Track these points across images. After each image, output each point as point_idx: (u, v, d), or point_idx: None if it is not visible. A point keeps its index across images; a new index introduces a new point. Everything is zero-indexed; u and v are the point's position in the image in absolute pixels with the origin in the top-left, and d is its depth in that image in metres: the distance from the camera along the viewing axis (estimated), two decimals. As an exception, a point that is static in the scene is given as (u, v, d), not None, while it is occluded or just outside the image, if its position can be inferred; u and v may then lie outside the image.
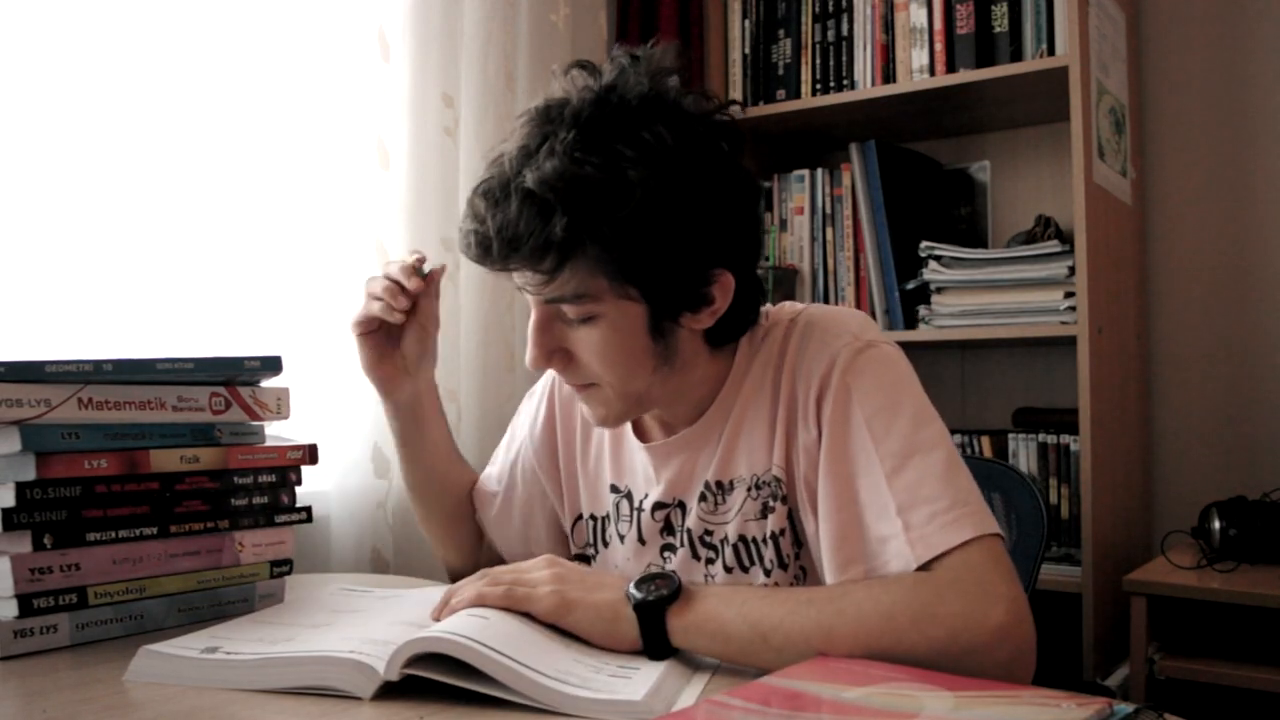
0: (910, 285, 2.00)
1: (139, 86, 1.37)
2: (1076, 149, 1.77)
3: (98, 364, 0.91)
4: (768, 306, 1.07)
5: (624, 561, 1.10)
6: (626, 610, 0.85)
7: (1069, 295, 1.81)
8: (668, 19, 2.14)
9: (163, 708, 0.74)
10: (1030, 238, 1.96)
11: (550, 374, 1.18)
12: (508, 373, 1.81)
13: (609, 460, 1.13)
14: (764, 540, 1.00)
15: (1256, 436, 2.00)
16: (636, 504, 1.10)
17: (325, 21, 1.56)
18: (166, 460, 0.96)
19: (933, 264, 1.95)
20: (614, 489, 1.12)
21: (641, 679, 0.76)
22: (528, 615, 0.86)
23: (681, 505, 1.06)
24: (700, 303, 0.95)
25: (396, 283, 1.07)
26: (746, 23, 2.19)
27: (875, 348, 0.96)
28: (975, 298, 1.93)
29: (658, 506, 1.07)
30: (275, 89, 1.52)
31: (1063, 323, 1.81)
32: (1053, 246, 1.84)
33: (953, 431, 2.06)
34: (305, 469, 1.09)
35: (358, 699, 0.75)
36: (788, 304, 1.08)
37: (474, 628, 0.78)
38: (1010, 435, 1.99)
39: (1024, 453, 1.97)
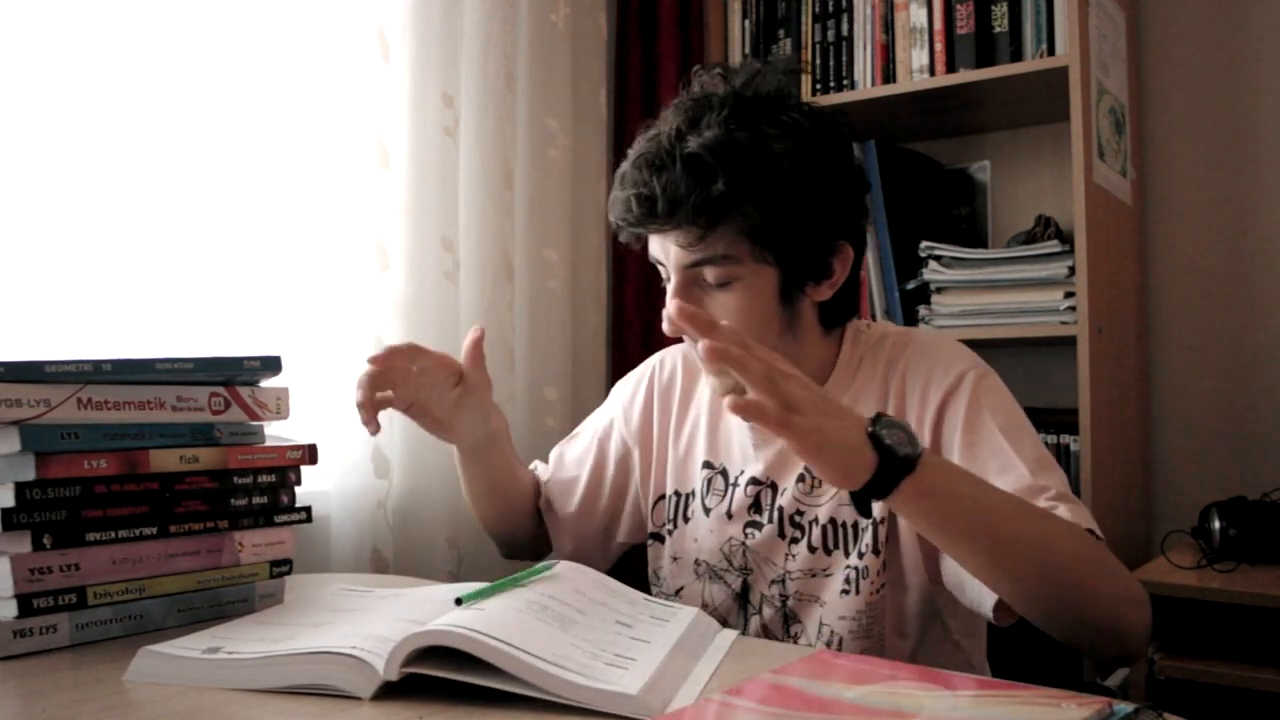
0: (910, 285, 2.00)
1: (139, 86, 1.37)
2: (1076, 149, 1.77)
3: (97, 364, 0.91)
4: (867, 320, 1.17)
5: (705, 534, 1.16)
6: (869, 455, 0.81)
7: (1069, 295, 1.80)
8: (668, 19, 2.14)
9: (163, 708, 0.74)
10: (1030, 238, 1.96)
11: (649, 364, 1.29)
12: (508, 372, 1.81)
13: (705, 438, 1.19)
14: (863, 526, 1.06)
15: (1256, 436, 2.00)
16: (732, 479, 1.16)
17: (325, 21, 1.56)
18: (166, 460, 0.96)
19: (933, 264, 1.95)
20: (708, 465, 1.18)
21: (639, 670, 0.76)
22: (522, 603, 0.85)
23: (774, 485, 1.12)
24: (823, 273, 1.06)
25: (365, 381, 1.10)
26: (746, 23, 2.19)
27: (997, 377, 1.08)
28: (975, 298, 1.93)
29: (752, 482, 1.13)
30: (275, 89, 1.52)
31: (1063, 323, 1.81)
32: (1053, 246, 1.84)
33: (953, 431, 2.07)
34: (305, 469, 1.09)
35: (358, 699, 0.75)
36: (889, 323, 1.18)
37: (471, 619, 0.78)
38: (1010, 435, 1.99)
39: (1024, 453, 1.97)
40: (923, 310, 1.98)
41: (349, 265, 1.56)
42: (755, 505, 1.13)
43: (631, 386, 1.30)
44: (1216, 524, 1.74)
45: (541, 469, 1.38)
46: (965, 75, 1.91)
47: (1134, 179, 2.03)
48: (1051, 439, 1.94)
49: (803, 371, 1.03)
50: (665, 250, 1.04)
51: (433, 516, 1.65)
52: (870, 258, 2.03)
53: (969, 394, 1.04)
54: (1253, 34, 2.01)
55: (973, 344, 2.12)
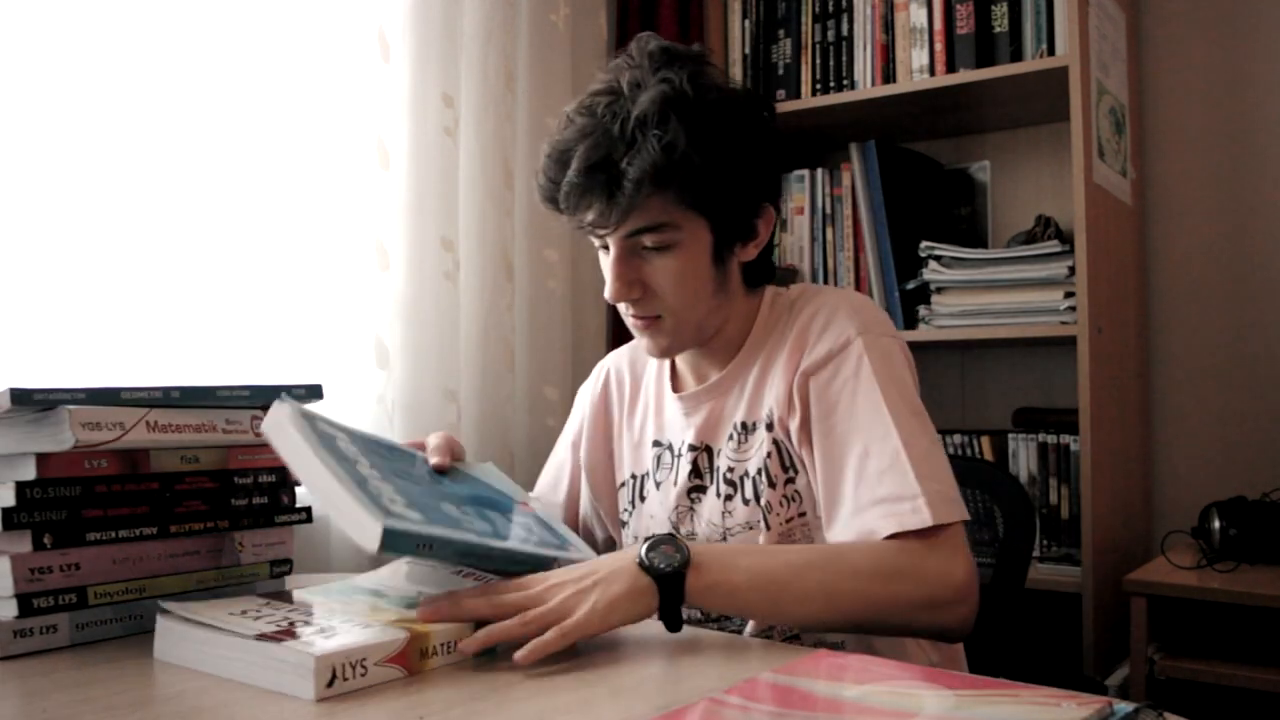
0: (910, 285, 2.00)
1: (139, 86, 1.37)
2: (1076, 149, 1.77)
3: (166, 391, 0.96)
4: (790, 286, 1.20)
5: (657, 508, 1.20)
6: (645, 582, 0.89)
7: (1069, 295, 1.80)
8: (668, 19, 2.14)
9: (163, 708, 0.74)
10: (1030, 238, 1.96)
11: (600, 368, 1.33)
12: (508, 372, 1.82)
13: (653, 418, 1.24)
14: (760, 470, 1.10)
15: (1256, 436, 2.00)
16: (676, 452, 1.19)
17: (325, 21, 1.56)
18: (166, 460, 0.96)
19: (933, 264, 1.95)
20: (656, 443, 1.22)
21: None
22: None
23: (708, 449, 1.16)
24: (750, 234, 1.11)
25: None
26: (746, 23, 2.19)
27: (889, 339, 1.08)
28: (975, 298, 1.93)
29: (689, 449, 1.17)
30: (276, 89, 1.52)
31: (1063, 323, 1.81)
32: (1053, 246, 1.84)
33: (953, 431, 2.08)
34: (305, 469, 1.09)
35: (358, 700, 0.75)
36: (809, 284, 1.21)
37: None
38: (1010, 435, 1.99)
39: (1024, 453, 1.97)
40: (923, 310, 1.98)
41: (349, 265, 1.57)
42: (695, 471, 1.17)
43: (590, 387, 1.34)
44: (1216, 524, 1.74)
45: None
46: (965, 75, 1.91)
47: (1134, 179, 2.03)
48: (1051, 439, 1.95)
49: (727, 331, 1.14)
50: (605, 219, 1.06)
51: (433, 516, 1.65)
52: (870, 257, 2.03)
53: (854, 356, 1.05)
54: (1253, 34, 2.01)
55: (973, 344, 2.14)
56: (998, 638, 1.20)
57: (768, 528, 1.09)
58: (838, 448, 1.03)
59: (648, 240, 1.05)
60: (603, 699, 0.77)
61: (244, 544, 1.03)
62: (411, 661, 0.80)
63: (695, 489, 1.17)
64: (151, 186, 1.39)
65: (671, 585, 0.89)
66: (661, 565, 0.89)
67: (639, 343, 1.17)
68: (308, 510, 1.09)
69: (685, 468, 1.17)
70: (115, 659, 0.86)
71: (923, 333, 1.97)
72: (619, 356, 1.34)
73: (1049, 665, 1.06)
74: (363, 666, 0.77)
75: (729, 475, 1.13)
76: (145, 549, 0.95)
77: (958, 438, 2.03)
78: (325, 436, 0.89)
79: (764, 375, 1.12)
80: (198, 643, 0.82)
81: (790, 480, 1.09)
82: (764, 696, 0.69)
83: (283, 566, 1.07)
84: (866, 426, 1.01)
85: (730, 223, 1.08)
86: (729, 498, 1.13)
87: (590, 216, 1.04)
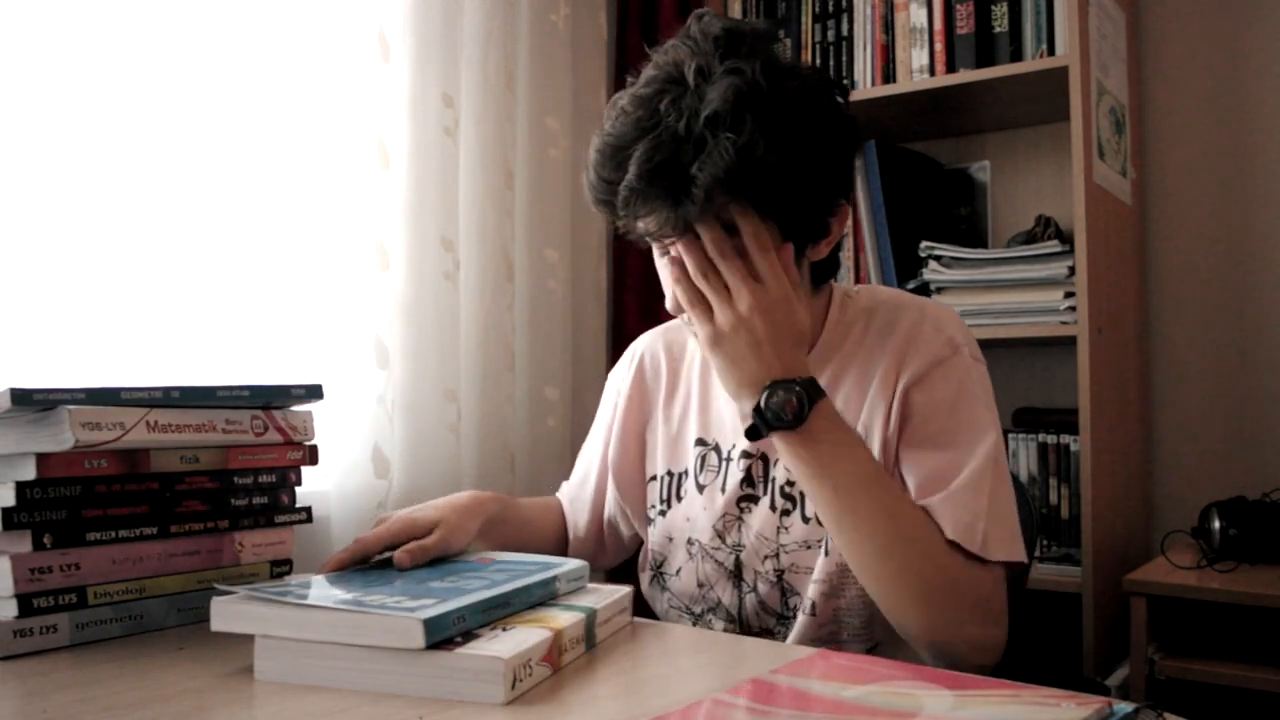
0: (910, 285, 2.00)
1: (138, 86, 1.37)
2: (1076, 149, 1.77)
3: (166, 391, 0.95)
4: (851, 284, 1.16)
5: (699, 512, 1.13)
6: (746, 408, 0.94)
7: (1069, 295, 1.81)
8: (668, 19, 2.14)
9: (162, 708, 0.74)
10: (1030, 238, 1.96)
11: (633, 350, 1.26)
12: (508, 372, 1.81)
13: (696, 415, 1.17)
14: None
15: (1256, 436, 2.00)
16: (725, 454, 1.13)
17: (325, 21, 1.56)
18: (166, 460, 0.96)
19: (933, 264, 1.95)
20: (700, 442, 1.16)
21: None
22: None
23: (764, 458, 1.10)
24: (823, 233, 1.03)
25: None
26: (746, 23, 2.19)
27: (982, 364, 1.07)
28: (975, 298, 1.93)
29: (744, 456, 1.11)
30: (275, 89, 1.52)
31: (1063, 323, 1.81)
32: (1053, 246, 1.84)
33: (953, 431, 2.06)
34: (305, 469, 1.10)
35: (359, 697, 0.75)
36: (877, 286, 1.16)
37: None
38: (1010, 435, 1.99)
39: (1024, 453, 1.97)
40: (923, 310, 1.98)
41: (349, 265, 1.56)
42: (748, 479, 1.11)
43: (622, 373, 1.27)
44: (1216, 524, 1.74)
45: (562, 491, 1.35)
46: (965, 75, 1.91)
47: (1134, 179, 2.03)
48: (1052, 439, 1.95)
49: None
50: (659, 223, 0.98)
51: (433, 516, 1.65)
52: (870, 257, 2.03)
53: (946, 372, 1.03)
54: (1252, 34, 2.01)
55: (973, 344, 2.13)
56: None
57: (827, 553, 1.04)
58: (935, 439, 1.01)
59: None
60: (603, 698, 0.77)
61: (244, 544, 1.03)
62: (555, 658, 0.81)
63: (746, 498, 1.10)
64: (151, 186, 1.39)
65: (763, 415, 0.93)
66: (773, 405, 0.93)
67: (678, 324, 1.11)
68: (308, 510, 1.09)
69: (737, 474, 1.11)
70: (115, 659, 0.86)
71: (923, 333, 1.97)
72: (653, 339, 1.27)
73: (1049, 665, 1.05)
74: (529, 667, 0.77)
75: (786, 489, 1.07)
76: (145, 549, 0.95)
77: (958, 438, 2.03)
78: (284, 591, 0.85)
79: (838, 378, 1.07)
80: (323, 658, 0.79)
81: None
82: (764, 696, 0.69)
83: (282, 567, 1.07)
84: (963, 443, 1.00)
85: (804, 224, 1.01)
86: (786, 513, 1.07)
87: (651, 225, 0.96)
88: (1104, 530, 1.81)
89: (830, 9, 2.09)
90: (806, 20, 2.11)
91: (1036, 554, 1.89)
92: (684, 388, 1.20)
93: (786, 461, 0.97)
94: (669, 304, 1.01)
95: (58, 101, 1.29)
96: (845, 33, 2.07)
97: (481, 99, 1.76)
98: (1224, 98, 2.04)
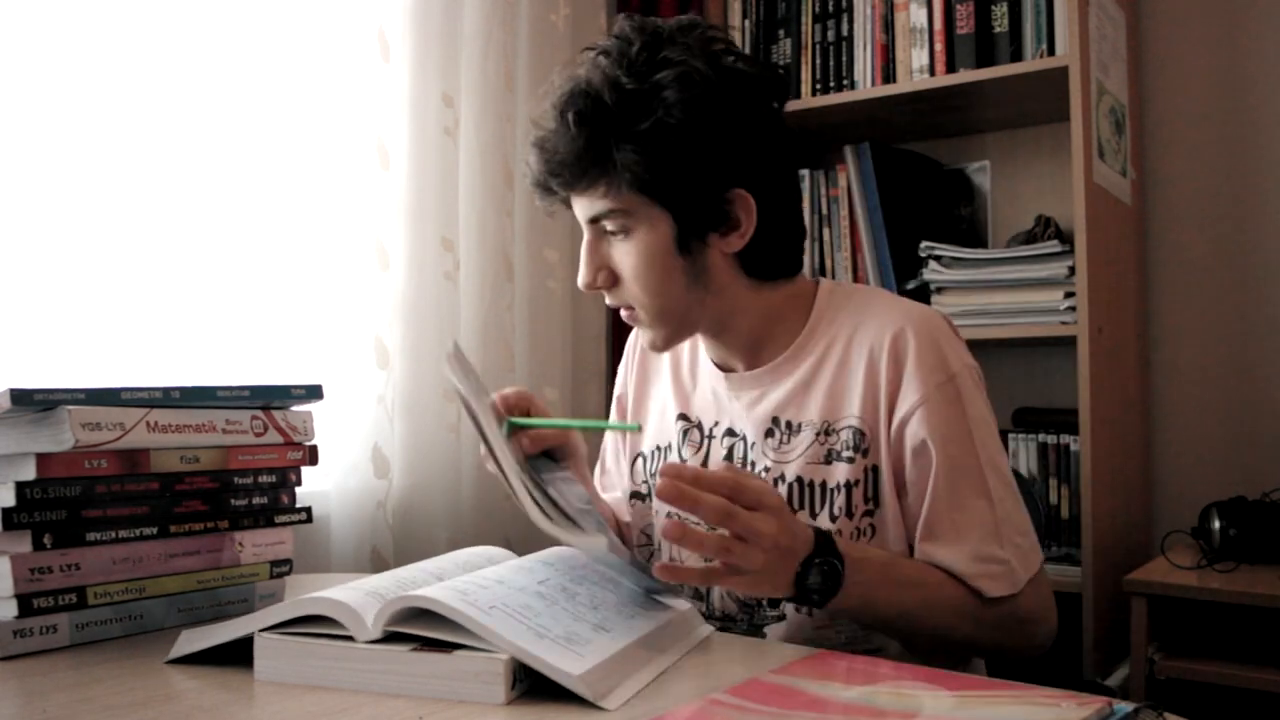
0: (910, 285, 2.00)
1: (139, 86, 1.37)
2: (1076, 149, 1.77)
3: (166, 391, 0.95)
4: (845, 281, 1.18)
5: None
6: (789, 586, 0.90)
7: (1069, 295, 1.80)
8: (667, 19, 2.13)
9: (162, 708, 0.74)
10: (1030, 238, 1.96)
11: (631, 340, 1.28)
12: (508, 372, 1.82)
13: (679, 392, 1.20)
14: (837, 488, 1.05)
15: (1256, 436, 2.00)
16: (707, 432, 1.15)
17: (325, 21, 1.56)
18: (166, 460, 0.96)
19: (933, 264, 1.95)
20: (682, 417, 1.18)
21: (592, 653, 0.77)
22: (514, 578, 0.87)
23: (745, 438, 1.12)
24: (724, 223, 1.04)
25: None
26: (746, 23, 2.19)
27: (977, 374, 1.08)
28: (975, 298, 1.93)
29: (728, 434, 1.13)
30: (275, 90, 1.52)
31: (1063, 323, 1.81)
32: (1053, 246, 1.84)
33: (953, 431, 2.06)
34: (305, 469, 1.10)
35: (359, 697, 0.75)
36: (866, 287, 1.20)
37: (452, 589, 0.80)
38: (1010, 435, 1.99)
39: (1024, 453, 1.97)
40: (923, 310, 1.98)
41: (349, 265, 1.57)
42: (729, 457, 1.12)
43: (624, 365, 1.31)
44: (1216, 524, 1.74)
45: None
46: (965, 75, 1.91)
47: (1134, 179, 2.03)
48: (1051, 439, 1.94)
49: (740, 326, 1.09)
50: (573, 202, 1.07)
51: (433, 516, 1.65)
52: (868, 258, 2.03)
53: (953, 393, 1.04)
54: (1253, 33, 2.01)
55: (973, 344, 2.13)
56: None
57: None
58: (936, 487, 1.02)
59: (607, 225, 1.04)
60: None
61: (244, 544, 1.03)
62: None
63: None
64: (152, 187, 1.39)
65: (809, 597, 0.91)
66: (813, 585, 0.90)
67: None
68: (307, 510, 1.10)
69: (719, 452, 1.13)
70: (115, 659, 0.86)
71: (923, 333, 1.97)
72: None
73: (1049, 665, 1.06)
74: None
75: (764, 475, 1.08)
76: (145, 549, 0.95)
77: (958, 438, 2.03)
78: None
79: (816, 374, 1.08)
80: (323, 658, 0.78)
81: (869, 513, 1.04)
82: (764, 696, 0.69)
83: (282, 567, 1.07)
84: (963, 474, 1.02)
85: (693, 210, 1.02)
86: None
87: (547, 202, 1.08)
88: (1104, 530, 1.81)
89: (830, 9, 2.09)
90: (806, 20, 2.11)
91: (1036, 554, 1.89)
92: (669, 367, 1.23)
93: (850, 612, 0.99)
94: (579, 278, 1.08)
95: (58, 102, 1.29)
96: (845, 33, 2.07)
97: (481, 99, 1.76)
98: (1224, 98, 2.04)
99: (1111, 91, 1.91)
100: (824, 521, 1.05)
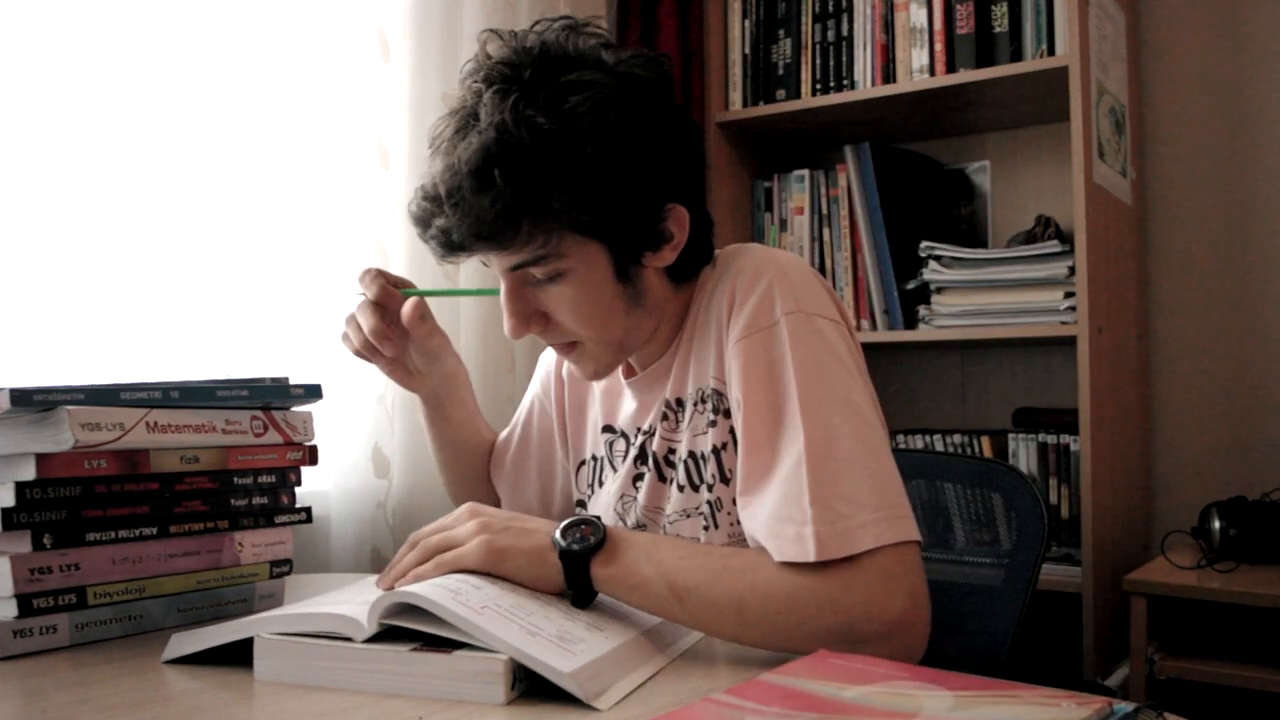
0: (910, 285, 2.00)
1: (138, 86, 1.37)
2: (1076, 149, 1.77)
3: (165, 390, 0.95)
4: (729, 246, 1.09)
5: (609, 496, 1.13)
6: (552, 556, 0.87)
7: (1069, 295, 1.81)
8: (667, 19, 2.14)
9: (162, 708, 0.74)
10: (1030, 238, 1.96)
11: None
12: (508, 373, 1.81)
13: (603, 403, 1.17)
14: (703, 456, 1.02)
15: (1256, 436, 2.00)
16: (632, 439, 1.13)
17: (325, 21, 1.56)
18: (166, 460, 0.96)
19: (933, 264, 1.95)
20: (608, 429, 1.16)
21: (585, 652, 0.77)
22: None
23: (650, 431, 1.09)
24: (659, 240, 0.98)
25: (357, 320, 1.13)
26: (746, 23, 2.19)
27: (823, 319, 0.95)
28: (975, 298, 1.93)
29: (639, 433, 1.11)
30: (275, 90, 1.52)
31: (1063, 323, 1.81)
32: (1053, 246, 1.84)
33: (953, 431, 2.08)
34: (305, 469, 1.10)
35: (359, 698, 0.75)
36: (747, 245, 1.08)
37: (442, 588, 0.80)
38: (1010, 435, 2.00)
39: (1024, 453, 1.97)
40: (923, 310, 1.98)
41: (349, 265, 1.56)
42: (641, 455, 1.09)
43: (547, 358, 1.28)
44: (1216, 524, 1.74)
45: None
46: (965, 75, 1.91)
47: (1134, 179, 2.03)
48: (1051, 439, 1.95)
49: (662, 333, 1.05)
50: (488, 256, 0.98)
51: (432, 516, 1.63)
52: (868, 258, 2.03)
53: (771, 350, 0.93)
54: (1252, 34, 2.01)
55: (973, 344, 2.14)
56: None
57: (715, 525, 1.00)
58: (747, 436, 0.93)
59: (536, 272, 0.95)
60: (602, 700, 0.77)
61: (244, 544, 1.03)
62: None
63: (638, 476, 1.09)
64: (152, 186, 1.39)
65: (576, 565, 0.86)
66: (571, 544, 0.86)
67: None
68: (307, 510, 1.10)
69: (633, 453, 1.10)
70: (115, 659, 0.86)
71: (923, 333, 1.98)
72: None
73: (1049, 665, 1.05)
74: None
75: (669, 457, 1.05)
76: (145, 549, 0.95)
77: (958, 438, 2.03)
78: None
79: (689, 347, 1.04)
80: (323, 658, 0.78)
81: None
82: (764, 696, 0.69)
83: (282, 567, 1.07)
84: (772, 425, 0.91)
85: (628, 237, 0.96)
86: (664, 480, 1.06)
87: (479, 257, 0.99)
88: (1104, 530, 1.81)
89: (830, 9, 2.09)
90: (806, 20, 2.11)
91: (1036, 554, 1.89)
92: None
93: (614, 594, 0.88)
94: (506, 330, 0.99)
95: (58, 101, 1.29)
96: (845, 33, 2.07)
97: (481, 99, 1.76)
98: (1224, 98, 2.04)
99: (1111, 91, 1.91)
100: (703, 493, 1.01)
